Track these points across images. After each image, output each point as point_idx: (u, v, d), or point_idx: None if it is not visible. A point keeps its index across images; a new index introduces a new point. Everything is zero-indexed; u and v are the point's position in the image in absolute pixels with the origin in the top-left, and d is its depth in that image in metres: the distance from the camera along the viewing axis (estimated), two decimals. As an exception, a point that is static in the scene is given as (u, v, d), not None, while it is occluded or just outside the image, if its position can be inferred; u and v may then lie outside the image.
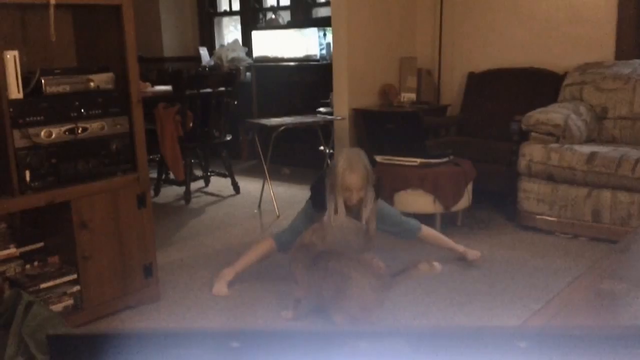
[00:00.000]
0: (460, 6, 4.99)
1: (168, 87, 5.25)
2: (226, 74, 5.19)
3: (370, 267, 2.55)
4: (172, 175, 4.93)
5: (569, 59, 4.41)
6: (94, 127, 2.63)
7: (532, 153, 3.70)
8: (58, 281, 2.60)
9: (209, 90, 4.84)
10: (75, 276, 2.63)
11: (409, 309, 2.75)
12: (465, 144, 4.38)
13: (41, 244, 2.74)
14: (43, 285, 2.56)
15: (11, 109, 2.37)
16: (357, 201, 2.87)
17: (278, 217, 4.24)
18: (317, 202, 3.00)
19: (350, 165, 2.85)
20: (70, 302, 2.62)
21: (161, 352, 0.54)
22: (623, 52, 4.29)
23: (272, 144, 4.45)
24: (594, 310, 1.45)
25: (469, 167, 3.76)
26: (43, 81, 2.49)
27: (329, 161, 4.54)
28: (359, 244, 3.28)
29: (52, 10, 2.47)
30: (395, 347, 0.52)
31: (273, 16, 6.37)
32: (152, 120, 4.53)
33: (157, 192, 4.97)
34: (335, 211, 2.86)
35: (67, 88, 2.57)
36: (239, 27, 6.79)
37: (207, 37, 6.99)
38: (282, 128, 4.41)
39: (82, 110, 2.60)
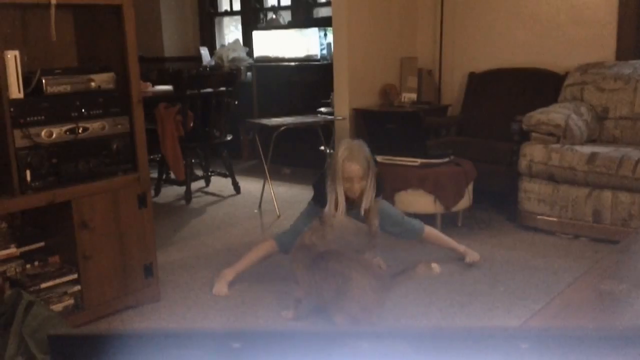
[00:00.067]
0: (461, 6, 4.99)
1: (169, 87, 5.25)
2: (227, 74, 5.19)
3: (371, 268, 2.55)
4: (172, 175, 4.93)
5: (569, 59, 4.41)
6: (95, 127, 2.64)
7: (532, 153, 3.70)
8: (58, 281, 2.60)
9: (209, 90, 4.84)
10: (75, 276, 2.63)
11: (410, 309, 2.75)
12: (465, 144, 4.38)
13: (42, 244, 2.74)
14: (43, 285, 2.56)
15: (12, 109, 2.37)
16: (358, 193, 2.85)
17: (278, 217, 4.24)
18: (319, 199, 2.99)
19: (351, 154, 2.84)
20: (70, 301, 2.62)
21: (162, 352, 0.54)
22: (624, 52, 4.28)
23: (272, 143, 4.45)
24: (595, 310, 1.45)
25: (469, 167, 3.76)
26: (44, 81, 2.49)
27: (329, 160, 4.54)
28: (361, 243, 3.28)
29: (52, 10, 2.47)
30: (396, 347, 0.52)
31: (274, 16, 6.37)
32: (153, 120, 4.53)
33: (157, 192, 4.97)
34: (336, 203, 2.84)
35: (68, 88, 2.57)
36: (239, 27, 6.79)
37: (208, 37, 6.99)
38: (283, 128, 4.41)
39: (83, 110, 2.60)
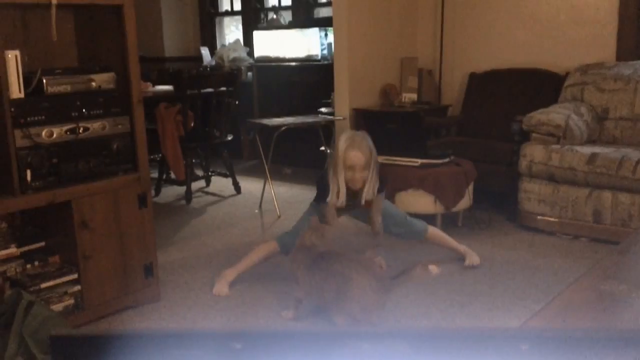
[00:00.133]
0: (461, 6, 4.99)
1: (169, 87, 5.25)
2: (227, 74, 5.19)
3: (372, 269, 2.55)
4: (173, 175, 4.94)
5: (570, 60, 4.41)
6: (95, 127, 2.64)
7: (533, 153, 3.70)
8: (59, 281, 2.60)
9: (210, 90, 4.84)
10: (75, 276, 2.63)
11: (410, 309, 2.75)
12: (466, 144, 4.38)
13: (42, 244, 2.74)
14: (44, 285, 2.56)
15: (12, 109, 2.37)
16: (360, 184, 2.84)
17: (279, 217, 4.24)
18: (321, 196, 2.99)
19: (353, 143, 2.83)
20: (70, 301, 2.62)
21: (163, 353, 0.55)
22: (624, 52, 4.28)
23: (273, 143, 4.45)
24: (595, 311, 1.45)
25: (469, 167, 3.76)
26: (44, 81, 2.49)
27: (329, 160, 4.54)
28: (363, 243, 3.27)
29: (53, 10, 2.48)
30: (397, 348, 0.52)
31: (274, 16, 6.37)
32: (153, 120, 4.53)
33: (158, 192, 4.97)
34: (338, 193, 2.83)
35: (69, 88, 2.57)
36: (240, 27, 6.79)
37: (209, 37, 6.99)
38: (284, 128, 4.41)
39: (83, 110, 2.60)
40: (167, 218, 4.32)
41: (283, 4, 6.42)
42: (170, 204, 4.79)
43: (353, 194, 2.93)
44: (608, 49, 4.35)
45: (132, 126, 2.74)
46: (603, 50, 4.35)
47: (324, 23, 5.62)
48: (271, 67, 6.02)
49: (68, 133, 2.55)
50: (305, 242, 2.61)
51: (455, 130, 4.85)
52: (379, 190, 2.98)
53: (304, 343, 0.53)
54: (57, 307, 2.55)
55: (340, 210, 3.03)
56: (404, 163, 3.68)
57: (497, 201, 4.12)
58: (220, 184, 5.21)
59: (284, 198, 4.64)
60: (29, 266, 2.65)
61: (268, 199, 4.48)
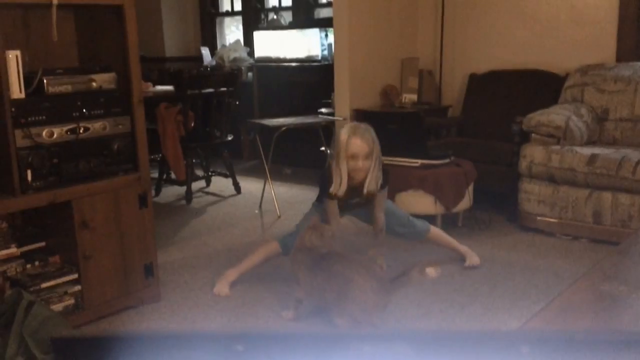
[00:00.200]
0: (461, 7, 4.99)
1: (169, 87, 5.25)
2: (228, 74, 5.19)
3: (373, 270, 2.54)
4: (173, 175, 4.94)
5: (570, 61, 4.41)
6: (96, 127, 2.64)
7: (533, 154, 3.70)
8: (59, 281, 2.61)
9: (210, 90, 4.84)
10: (76, 276, 2.63)
11: (410, 310, 2.75)
12: (466, 145, 4.38)
13: (42, 244, 2.74)
14: (44, 285, 2.56)
15: (13, 109, 2.37)
16: (363, 175, 2.82)
17: (279, 217, 4.24)
18: (324, 194, 2.98)
19: (355, 132, 2.82)
20: (71, 301, 2.62)
21: (165, 354, 0.55)
22: (624, 53, 4.29)
23: (273, 144, 4.45)
24: (595, 312, 1.45)
25: (469, 168, 3.76)
26: (45, 81, 2.50)
27: (330, 161, 4.54)
28: (365, 242, 3.27)
29: (54, 10, 2.48)
30: (398, 350, 0.52)
31: (275, 17, 6.37)
32: (154, 120, 4.54)
33: (158, 192, 4.97)
34: (340, 183, 2.81)
35: (69, 88, 2.57)
36: (240, 27, 6.79)
37: (209, 37, 6.99)
38: (284, 128, 4.41)
39: (84, 110, 2.60)
40: (167, 218, 4.32)
41: (283, 4, 6.42)
42: (171, 204, 4.79)
43: (355, 189, 2.91)
44: (608, 50, 4.35)
45: (133, 126, 2.74)
46: (603, 51, 4.35)
47: (325, 23, 5.62)
48: (271, 68, 6.02)
49: (69, 133, 2.55)
50: (305, 242, 2.61)
51: (455, 131, 4.85)
52: (382, 186, 2.97)
53: (306, 345, 0.53)
54: (58, 307, 2.55)
55: (342, 210, 3.02)
56: (404, 163, 3.68)
57: (497, 202, 4.12)
58: (221, 184, 5.21)
59: (284, 198, 4.64)
60: (29, 266, 2.65)
61: (268, 199, 4.48)
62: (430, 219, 3.55)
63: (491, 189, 4.08)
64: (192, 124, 4.76)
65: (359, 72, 4.87)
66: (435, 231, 3.27)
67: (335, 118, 4.81)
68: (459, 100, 5.01)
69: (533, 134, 3.77)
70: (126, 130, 2.73)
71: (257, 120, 4.90)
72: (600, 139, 4.01)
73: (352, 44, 4.78)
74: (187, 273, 3.26)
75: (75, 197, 2.56)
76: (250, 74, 6.30)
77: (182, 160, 4.63)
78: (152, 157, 4.04)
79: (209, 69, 6.27)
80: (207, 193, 5.09)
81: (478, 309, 2.76)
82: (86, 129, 2.60)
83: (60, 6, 2.51)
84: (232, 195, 4.94)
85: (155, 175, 4.85)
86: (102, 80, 2.66)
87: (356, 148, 2.79)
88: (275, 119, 4.72)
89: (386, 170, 3.01)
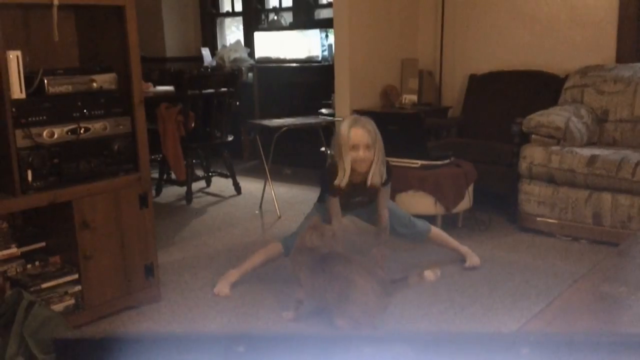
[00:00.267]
0: (461, 8, 5.00)
1: (170, 88, 5.26)
2: (228, 75, 5.20)
3: (374, 272, 2.54)
4: (173, 176, 4.94)
5: (570, 62, 4.41)
6: (97, 127, 2.64)
7: (532, 155, 3.70)
8: (59, 281, 2.61)
9: (211, 90, 4.85)
10: (76, 276, 2.63)
11: (410, 310, 2.75)
12: (466, 146, 4.39)
13: (43, 244, 2.74)
14: (44, 285, 2.56)
15: (14, 109, 2.37)
16: (365, 166, 2.81)
17: (279, 217, 4.24)
18: (324, 193, 2.98)
19: (355, 123, 2.82)
20: (71, 302, 2.62)
21: (166, 356, 0.55)
22: (624, 54, 4.29)
23: (273, 144, 4.46)
24: (594, 313, 1.45)
25: (469, 168, 3.76)
26: (45, 81, 2.50)
27: (329, 161, 4.54)
28: (367, 242, 3.26)
29: (54, 10, 2.48)
30: (399, 352, 0.53)
31: (275, 17, 6.38)
32: (154, 120, 4.54)
33: (158, 192, 4.97)
34: (344, 174, 2.80)
35: (70, 88, 2.58)
36: (241, 27, 6.80)
37: (210, 37, 6.99)
38: (284, 129, 4.41)
39: (85, 111, 2.60)
40: (167, 218, 4.32)
41: (284, 5, 6.43)
42: (171, 204, 4.80)
43: (358, 186, 2.90)
44: (608, 51, 4.35)
45: (133, 126, 2.74)
46: (603, 52, 4.36)
47: (325, 24, 5.63)
48: (272, 68, 6.02)
49: (69, 133, 2.55)
50: (305, 243, 2.60)
51: (455, 132, 4.86)
52: (386, 182, 2.95)
53: (307, 346, 0.53)
54: (58, 307, 2.55)
55: (344, 209, 3.00)
56: (404, 164, 3.68)
57: (497, 202, 4.12)
58: (221, 184, 5.21)
59: (284, 199, 4.64)
60: (29, 266, 2.65)
61: (268, 200, 4.49)
62: (431, 219, 3.55)
63: (491, 189, 4.08)
64: (193, 124, 4.76)
65: (359, 72, 4.87)
66: (436, 231, 3.27)
67: (336, 118, 4.81)
68: (459, 101, 5.01)
69: (533, 135, 3.77)
70: (127, 130, 2.73)
71: (258, 121, 4.90)
72: (600, 140, 4.01)
73: (352, 45, 4.78)
74: (188, 273, 3.26)
75: (76, 197, 2.57)
76: (250, 74, 6.30)
77: (182, 161, 4.63)
78: (152, 157, 4.04)
79: (209, 69, 6.28)
80: (208, 193, 5.09)
81: (478, 310, 2.76)
82: (87, 129, 2.60)
83: (60, 6, 2.51)
84: (233, 196, 4.94)
85: (156, 175, 4.86)
86: (103, 80, 2.66)
87: (357, 138, 2.78)
88: (276, 120, 4.72)
89: (390, 166, 3.00)
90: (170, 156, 4.59)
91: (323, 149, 4.92)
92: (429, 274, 2.42)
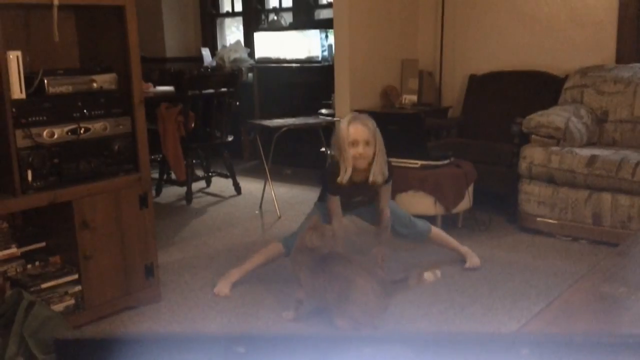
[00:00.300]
0: (461, 8, 5.00)
1: (170, 88, 5.26)
2: (228, 75, 5.20)
3: (374, 272, 2.54)
4: (173, 176, 4.94)
5: (569, 62, 4.41)
6: (97, 127, 2.64)
7: (532, 155, 3.70)
8: (59, 281, 2.61)
9: (211, 90, 4.85)
10: (76, 276, 2.63)
11: (410, 310, 2.75)
12: (466, 146, 4.39)
13: (43, 244, 2.74)
14: (44, 285, 2.56)
15: (14, 109, 2.37)
16: (366, 163, 2.80)
17: (279, 217, 4.24)
18: (325, 192, 2.98)
19: (354, 119, 2.82)
20: (71, 302, 2.62)
21: (166, 356, 0.55)
22: (624, 55, 4.29)
23: (273, 144, 4.46)
24: (594, 313, 1.45)
25: (469, 168, 3.76)
26: (46, 81, 2.50)
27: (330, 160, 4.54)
28: (367, 242, 3.26)
29: (55, 10, 2.48)
30: (399, 352, 0.53)
31: (275, 17, 6.38)
32: (154, 120, 4.54)
33: (158, 192, 4.97)
34: (345, 171, 2.80)
35: (70, 88, 2.58)
36: (241, 28, 6.80)
37: (210, 37, 6.99)
38: (284, 129, 4.41)
39: (85, 111, 2.60)
40: (167, 218, 4.32)
41: (284, 5, 6.43)
42: (171, 204, 4.80)
43: (359, 184, 2.90)
44: (608, 51, 4.35)
45: (134, 127, 2.74)
46: (603, 53, 4.36)
47: (325, 24, 5.63)
48: (272, 68, 6.02)
49: (69, 133, 2.55)
50: (306, 243, 2.60)
51: (455, 132, 4.86)
52: (387, 180, 2.95)
53: (307, 347, 0.53)
54: (58, 307, 2.56)
55: (345, 209, 3.00)
56: (404, 164, 3.68)
57: (497, 202, 4.12)
58: (221, 184, 5.21)
59: (284, 199, 4.64)
60: (29, 266, 2.65)
61: (268, 200, 4.49)
62: (431, 219, 3.55)
63: (491, 189, 4.08)
64: (193, 125, 4.76)
65: (359, 73, 4.87)
66: (436, 232, 3.27)
67: (336, 119, 4.81)
68: (459, 101, 5.01)
69: (533, 135, 3.77)
70: (127, 130, 2.73)
71: (258, 121, 4.90)
72: (599, 141, 4.02)
73: (352, 45, 4.78)
74: (188, 273, 3.26)
75: (76, 197, 2.57)
76: (250, 74, 6.30)
77: (182, 161, 4.63)
78: (152, 157, 4.04)
79: (209, 69, 6.28)
80: (208, 193, 5.09)
81: (478, 310, 2.76)
82: (87, 130, 2.61)
83: (61, 7, 2.51)
84: (233, 196, 4.94)
85: (156, 175, 4.86)
86: (103, 80, 2.67)
87: (357, 134, 2.77)
88: (276, 120, 4.72)
89: (391, 165, 2.99)
90: (171, 156, 4.59)
91: (323, 149, 4.92)
92: (428, 275, 2.42)
